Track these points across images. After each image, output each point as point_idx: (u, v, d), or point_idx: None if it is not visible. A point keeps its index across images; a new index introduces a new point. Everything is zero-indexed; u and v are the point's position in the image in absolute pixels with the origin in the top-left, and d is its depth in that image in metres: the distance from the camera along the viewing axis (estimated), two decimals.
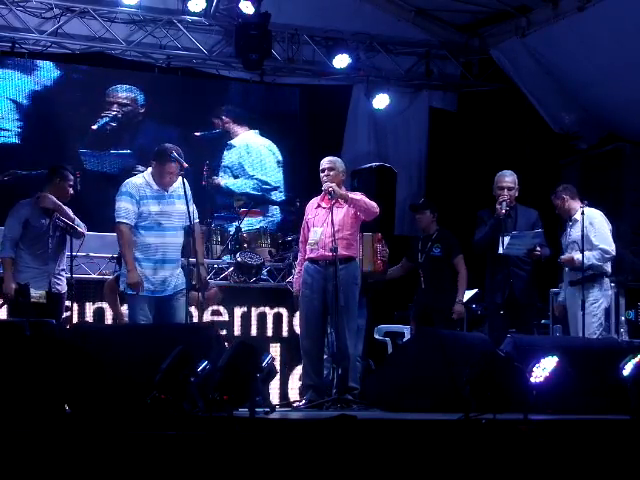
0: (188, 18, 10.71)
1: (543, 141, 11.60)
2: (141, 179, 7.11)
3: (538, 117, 11.45)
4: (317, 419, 5.45)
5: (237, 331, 9.06)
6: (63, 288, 7.72)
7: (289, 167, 11.64)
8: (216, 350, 6.11)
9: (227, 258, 9.51)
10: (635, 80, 10.03)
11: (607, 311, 8.45)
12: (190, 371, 5.28)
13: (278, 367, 8.75)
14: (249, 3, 10.21)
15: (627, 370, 6.10)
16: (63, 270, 7.79)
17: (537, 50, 10.90)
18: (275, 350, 9.03)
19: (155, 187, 7.04)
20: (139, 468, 3.96)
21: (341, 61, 11.13)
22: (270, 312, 9.20)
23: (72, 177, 7.84)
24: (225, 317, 9.05)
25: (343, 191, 7.49)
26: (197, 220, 7.26)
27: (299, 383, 8.70)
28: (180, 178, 7.04)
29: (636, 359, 6.07)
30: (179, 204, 7.04)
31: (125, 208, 6.97)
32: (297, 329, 8.50)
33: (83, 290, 8.61)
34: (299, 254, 7.78)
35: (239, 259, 9.15)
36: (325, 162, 7.60)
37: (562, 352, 6.12)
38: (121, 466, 3.94)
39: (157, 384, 5.27)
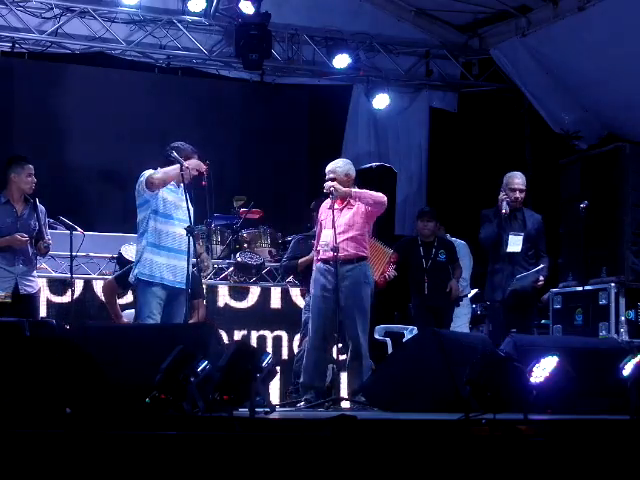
0: (188, 18, 10.73)
1: (543, 141, 11.61)
2: None
3: (538, 117, 11.46)
4: (317, 419, 5.44)
5: None
6: (34, 289, 7.53)
7: (289, 167, 11.63)
8: (216, 350, 6.11)
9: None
10: (635, 80, 10.03)
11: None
12: (190, 371, 5.27)
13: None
14: (249, 3, 10.22)
15: (627, 370, 6.08)
16: (34, 270, 7.60)
17: (537, 50, 10.91)
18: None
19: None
20: (139, 468, 3.95)
21: (341, 61, 11.15)
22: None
23: (30, 166, 7.51)
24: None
25: (345, 189, 7.47)
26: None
27: None
28: None
29: (636, 359, 6.06)
30: None
31: None
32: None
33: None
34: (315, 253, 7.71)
35: (239, 259, 9.15)
36: (327, 170, 7.57)
37: (562, 352, 6.11)
38: (121, 466, 3.94)
39: (157, 384, 5.27)
